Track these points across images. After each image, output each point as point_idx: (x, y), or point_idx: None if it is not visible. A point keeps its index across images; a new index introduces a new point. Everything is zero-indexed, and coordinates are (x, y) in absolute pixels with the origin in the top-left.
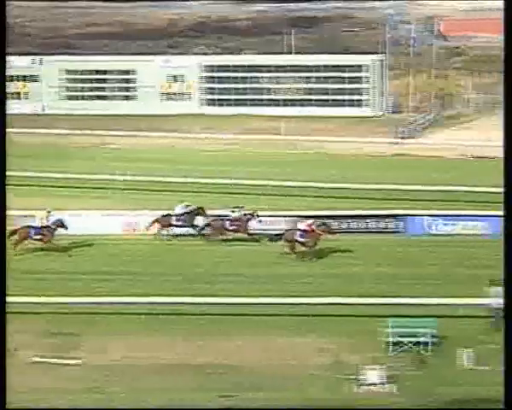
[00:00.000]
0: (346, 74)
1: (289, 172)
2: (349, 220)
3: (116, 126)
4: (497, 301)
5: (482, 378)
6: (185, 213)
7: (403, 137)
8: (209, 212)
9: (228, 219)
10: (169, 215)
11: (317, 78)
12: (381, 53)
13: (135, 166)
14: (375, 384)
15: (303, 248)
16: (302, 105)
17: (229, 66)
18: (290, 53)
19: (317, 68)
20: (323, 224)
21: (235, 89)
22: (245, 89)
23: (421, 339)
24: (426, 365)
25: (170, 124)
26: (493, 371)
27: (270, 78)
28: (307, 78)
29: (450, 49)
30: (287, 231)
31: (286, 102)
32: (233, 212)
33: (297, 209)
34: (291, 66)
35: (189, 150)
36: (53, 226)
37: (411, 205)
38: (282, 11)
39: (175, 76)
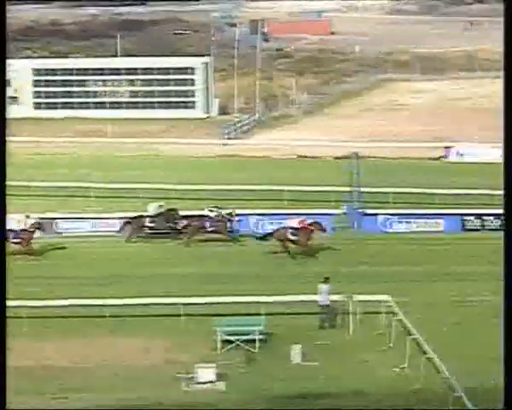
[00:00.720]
0: (172, 76)
1: (116, 174)
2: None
3: None
4: (325, 298)
5: (311, 374)
6: (158, 214)
7: (229, 138)
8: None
9: (207, 220)
10: (141, 216)
11: (143, 80)
12: (208, 55)
13: None
14: (204, 383)
15: (294, 246)
16: (129, 107)
17: (56, 69)
18: (117, 56)
19: (143, 71)
20: (315, 221)
21: (63, 92)
22: (72, 92)
23: (250, 337)
24: (255, 362)
25: None
26: (322, 367)
27: (96, 80)
28: (134, 80)
29: (276, 51)
30: (277, 230)
31: (113, 105)
32: (211, 211)
33: (129, 211)
34: (118, 69)
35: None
36: (31, 229)
37: (239, 205)
38: (110, 15)
39: None
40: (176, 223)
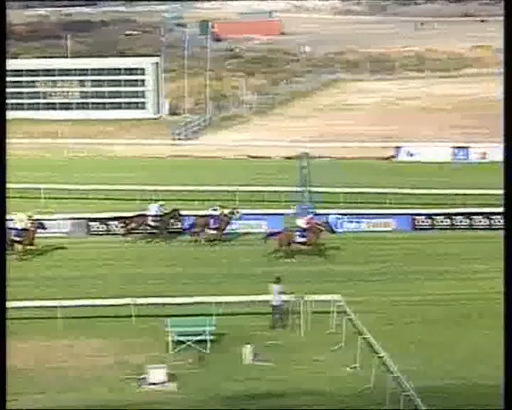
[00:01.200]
0: (123, 77)
1: (68, 175)
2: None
3: None
4: (276, 298)
5: (263, 374)
6: (161, 215)
7: (180, 139)
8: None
9: (212, 218)
10: (143, 215)
11: (93, 81)
12: (158, 56)
13: None
14: (156, 384)
15: (302, 247)
16: (79, 108)
17: (6, 70)
18: (67, 57)
19: (94, 72)
20: (325, 221)
21: (12, 93)
22: (22, 93)
23: (202, 337)
24: (207, 362)
25: None
26: (273, 367)
27: (46, 81)
28: (84, 81)
29: (226, 52)
30: (283, 231)
31: (63, 106)
32: (215, 210)
33: (85, 211)
34: (68, 69)
35: None
36: (32, 228)
37: (189, 205)
38: (60, 15)
39: None
40: (177, 223)
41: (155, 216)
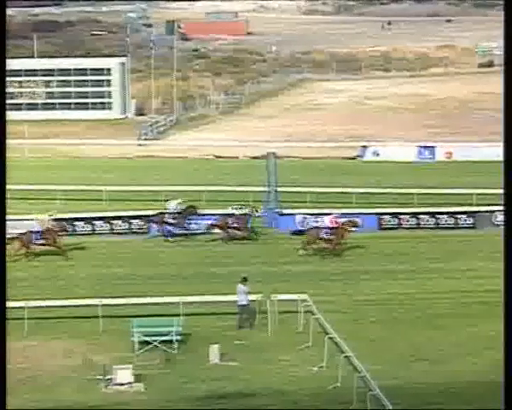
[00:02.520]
0: (89, 77)
1: (34, 175)
2: (97, 222)
3: None
4: (243, 298)
5: (230, 374)
6: (179, 212)
7: (146, 139)
8: None
9: (232, 217)
10: (162, 213)
11: (60, 81)
12: (124, 56)
13: None
14: (122, 384)
15: (325, 245)
16: (46, 109)
17: None
18: (33, 57)
19: (60, 72)
20: (350, 219)
21: None
22: None
23: (167, 337)
24: (173, 362)
25: None
26: (240, 367)
27: (12, 82)
28: (50, 81)
29: (192, 52)
30: (311, 228)
31: (29, 106)
32: (236, 209)
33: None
34: (34, 70)
35: None
36: (55, 229)
37: (156, 205)
38: (26, 16)
39: None
40: (192, 220)
41: (173, 213)
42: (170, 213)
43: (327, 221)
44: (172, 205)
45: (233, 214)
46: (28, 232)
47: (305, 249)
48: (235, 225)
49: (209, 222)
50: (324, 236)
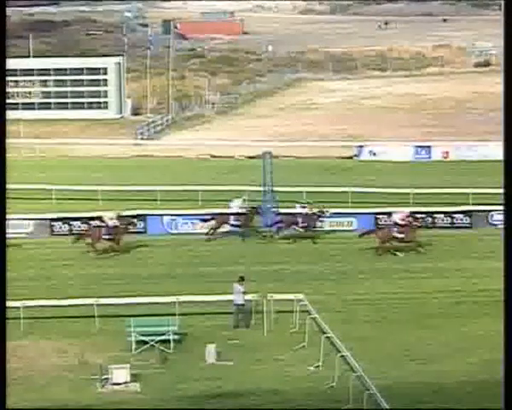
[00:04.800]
0: (85, 77)
1: (31, 175)
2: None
3: None
4: (239, 297)
5: (226, 373)
6: (243, 212)
7: (142, 139)
8: None
9: (299, 216)
10: (226, 213)
11: (56, 81)
12: (120, 55)
13: None
14: (118, 384)
15: (396, 244)
16: (42, 108)
17: None
18: (29, 57)
19: (56, 71)
20: (421, 217)
21: None
22: None
23: (164, 337)
24: (169, 362)
25: None
26: (236, 366)
27: (8, 82)
28: (47, 81)
29: (188, 51)
30: (382, 227)
31: (25, 106)
32: (303, 208)
33: (41, 212)
34: (30, 69)
35: None
36: (123, 225)
37: (152, 205)
38: (22, 15)
39: None
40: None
41: (238, 213)
42: (233, 213)
43: (397, 219)
44: (236, 204)
45: (302, 213)
46: (98, 228)
47: (379, 249)
48: (304, 224)
49: (277, 220)
50: (397, 234)
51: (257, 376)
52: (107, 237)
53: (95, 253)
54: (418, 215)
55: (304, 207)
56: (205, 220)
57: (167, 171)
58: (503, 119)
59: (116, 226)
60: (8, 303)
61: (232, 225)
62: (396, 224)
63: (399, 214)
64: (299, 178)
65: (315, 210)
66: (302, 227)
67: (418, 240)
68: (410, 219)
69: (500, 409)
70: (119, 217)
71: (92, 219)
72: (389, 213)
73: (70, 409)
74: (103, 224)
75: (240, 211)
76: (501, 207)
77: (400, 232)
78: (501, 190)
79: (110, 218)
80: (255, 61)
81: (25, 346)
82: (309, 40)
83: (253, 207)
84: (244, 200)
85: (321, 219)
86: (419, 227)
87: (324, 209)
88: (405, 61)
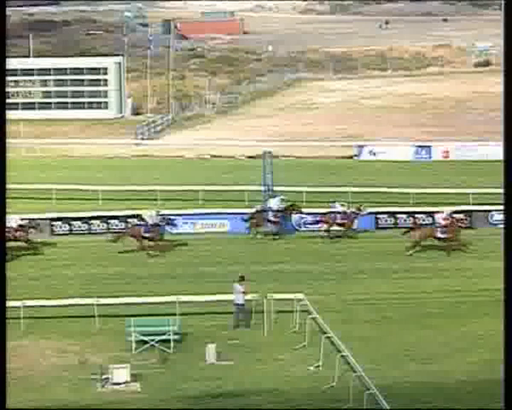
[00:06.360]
0: (85, 77)
1: (31, 174)
2: (93, 221)
3: None
4: (239, 297)
5: (226, 373)
6: (282, 209)
7: (142, 138)
8: None
9: (337, 214)
10: (263, 211)
11: (56, 80)
12: (120, 55)
13: None
14: (119, 384)
15: (439, 243)
16: (42, 108)
17: None
18: (29, 56)
19: (56, 71)
20: (464, 217)
21: None
22: None
23: (164, 337)
24: (170, 362)
25: None
26: (236, 366)
27: (8, 81)
28: (47, 81)
29: (188, 51)
30: (422, 226)
31: (25, 106)
32: (342, 206)
33: (40, 212)
34: (30, 69)
35: None
36: (162, 224)
37: (153, 205)
38: (22, 15)
39: None
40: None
41: (276, 211)
42: (272, 211)
43: (440, 219)
44: (275, 202)
45: (340, 212)
46: (137, 227)
47: (414, 247)
48: (342, 222)
49: (316, 219)
50: (440, 234)
51: (257, 376)
52: (146, 235)
53: (142, 252)
54: (459, 215)
55: (342, 205)
56: (245, 220)
57: (167, 171)
58: (503, 119)
59: (156, 225)
60: (8, 303)
61: (269, 222)
62: (440, 224)
63: (442, 214)
64: (299, 178)
65: (352, 208)
66: (339, 225)
67: (461, 239)
68: (452, 219)
69: (500, 409)
70: (159, 215)
71: (92, 218)
72: (390, 213)
73: (70, 409)
74: (143, 222)
75: (278, 209)
76: (501, 207)
77: (443, 232)
78: (501, 190)
79: (150, 216)
80: (255, 61)
81: (25, 346)
82: (309, 40)
83: (291, 205)
84: (282, 199)
85: (357, 217)
86: (460, 227)
87: (361, 207)
88: (405, 61)
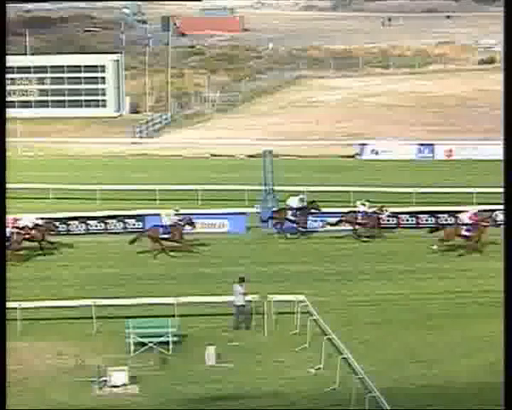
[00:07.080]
0: (83, 75)
1: (28, 173)
2: (92, 222)
3: None
4: (239, 298)
5: (225, 375)
6: (301, 208)
7: (141, 137)
8: None
9: (360, 213)
10: (283, 209)
11: (53, 78)
12: (118, 53)
13: None
14: (117, 386)
15: (467, 243)
16: (39, 106)
17: None
18: (26, 54)
19: (53, 69)
20: (490, 216)
21: None
22: None
23: (163, 339)
24: (168, 364)
25: None
26: (236, 368)
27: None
28: (44, 78)
29: (188, 49)
30: (449, 225)
31: (22, 104)
32: (364, 205)
33: (39, 212)
34: (27, 67)
35: None
36: (181, 224)
37: (150, 204)
38: (18, 12)
39: None
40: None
41: (296, 210)
42: (292, 210)
43: (465, 218)
44: (294, 201)
45: (363, 212)
46: (154, 228)
47: (440, 245)
48: (365, 222)
49: (337, 219)
50: (465, 233)
51: (257, 378)
52: (165, 236)
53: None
54: (486, 214)
55: (364, 204)
56: (264, 221)
57: (166, 170)
58: (503, 118)
59: (174, 225)
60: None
61: (290, 221)
62: (466, 223)
63: (467, 213)
64: (300, 177)
65: (375, 208)
66: (362, 224)
67: (486, 239)
68: (478, 218)
69: (500, 409)
70: (177, 214)
71: (90, 218)
72: (392, 213)
73: None
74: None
75: (298, 207)
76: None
77: (468, 230)
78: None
79: (167, 215)
80: (255, 59)
81: (22, 348)
82: (310, 37)
83: (312, 202)
84: (301, 199)
85: (381, 217)
86: (486, 226)
87: (384, 208)
88: (408, 59)
